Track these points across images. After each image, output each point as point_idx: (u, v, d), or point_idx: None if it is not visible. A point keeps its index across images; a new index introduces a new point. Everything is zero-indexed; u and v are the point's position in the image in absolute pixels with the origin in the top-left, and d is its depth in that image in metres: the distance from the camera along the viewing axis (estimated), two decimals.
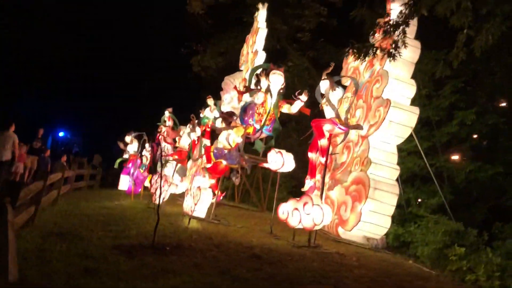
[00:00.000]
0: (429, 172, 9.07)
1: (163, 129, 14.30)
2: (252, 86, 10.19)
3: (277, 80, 9.21)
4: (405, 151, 10.07)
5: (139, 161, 11.62)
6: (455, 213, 8.85)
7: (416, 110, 8.04)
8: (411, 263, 7.54)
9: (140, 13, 25.98)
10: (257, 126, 10.26)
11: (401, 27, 6.99)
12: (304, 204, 6.43)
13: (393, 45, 7.20)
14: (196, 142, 9.92)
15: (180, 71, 19.00)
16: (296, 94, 8.77)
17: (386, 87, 8.07)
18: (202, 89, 17.24)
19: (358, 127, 7.42)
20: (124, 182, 11.92)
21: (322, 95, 7.58)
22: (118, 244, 5.65)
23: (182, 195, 10.07)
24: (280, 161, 7.50)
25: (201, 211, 7.59)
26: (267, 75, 9.51)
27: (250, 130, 9.08)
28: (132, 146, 12.01)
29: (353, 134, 8.58)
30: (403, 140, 8.24)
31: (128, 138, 12.21)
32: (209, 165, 8.13)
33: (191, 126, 10.26)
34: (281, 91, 8.97)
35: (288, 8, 14.87)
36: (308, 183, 6.88)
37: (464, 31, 6.75)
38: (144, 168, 11.74)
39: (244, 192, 12.69)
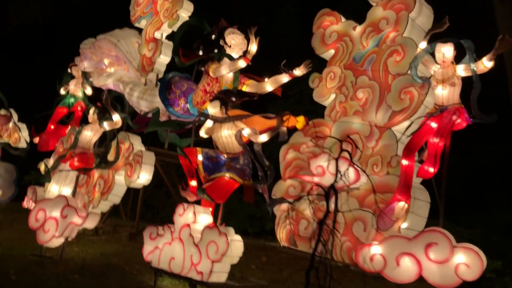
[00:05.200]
0: None
1: None
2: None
3: (238, 43, 6.36)
4: None
5: None
6: None
7: None
8: None
9: None
10: (194, 112, 7.15)
11: None
12: (428, 247, 4.03)
13: None
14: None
15: None
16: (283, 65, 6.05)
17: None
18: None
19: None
20: None
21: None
22: None
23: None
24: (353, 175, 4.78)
25: (221, 272, 4.26)
26: (219, 36, 6.54)
27: None
28: None
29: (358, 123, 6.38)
30: None
31: None
32: (194, 183, 4.77)
33: (96, 111, 6.32)
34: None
35: None
36: (398, 207, 4.48)
37: None
38: None
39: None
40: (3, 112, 9.72)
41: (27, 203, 8.35)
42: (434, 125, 4.79)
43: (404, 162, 4.86)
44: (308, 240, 6.54)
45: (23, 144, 10.25)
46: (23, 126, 10.44)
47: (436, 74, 5.05)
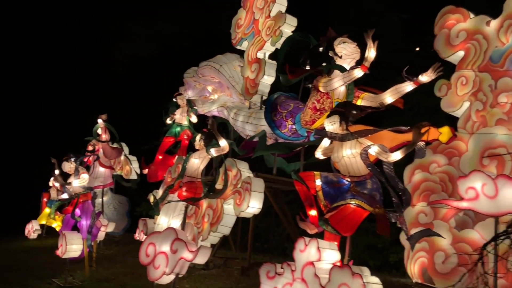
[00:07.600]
0: None
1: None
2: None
3: (350, 52, 5.63)
4: None
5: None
6: None
7: None
8: None
9: None
10: (302, 132, 6.52)
11: None
12: None
13: None
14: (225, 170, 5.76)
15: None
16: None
17: None
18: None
19: None
20: (74, 244, 7.06)
21: None
22: None
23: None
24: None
25: None
26: (328, 47, 5.86)
27: None
28: (78, 178, 7.19)
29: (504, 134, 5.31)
30: None
31: (68, 166, 7.36)
32: (313, 213, 4.13)
33: (203, 137, 6.01)
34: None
35: None
36: None
37: None
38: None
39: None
40: (115, 145, 9.99)
41: (139, 235, 8.32)
42: None
43: None
44: (447, 276, 5.58)
45: (134, 176, 10.46)
46: (133, 158, 10.67)
47: None
